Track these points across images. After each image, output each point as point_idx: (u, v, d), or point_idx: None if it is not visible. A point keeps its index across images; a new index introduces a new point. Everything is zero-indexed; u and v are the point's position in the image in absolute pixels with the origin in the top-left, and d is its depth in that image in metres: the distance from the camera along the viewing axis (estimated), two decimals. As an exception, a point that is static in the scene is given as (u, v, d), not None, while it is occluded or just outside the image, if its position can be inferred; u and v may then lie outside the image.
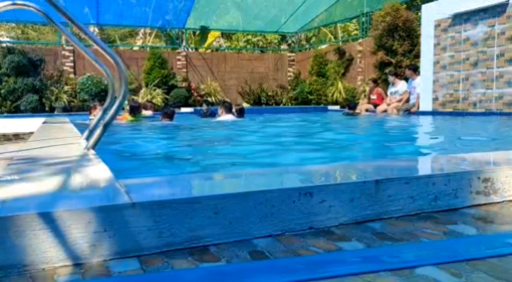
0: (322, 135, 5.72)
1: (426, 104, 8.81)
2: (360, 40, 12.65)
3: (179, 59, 13.95)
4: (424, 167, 2.08)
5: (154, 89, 12.43)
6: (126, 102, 7.54)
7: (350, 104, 9.93)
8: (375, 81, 10.19)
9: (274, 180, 1.63)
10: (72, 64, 12.62)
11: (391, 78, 9.51)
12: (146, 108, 8.78)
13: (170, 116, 7.25)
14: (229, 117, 7.35)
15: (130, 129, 6.48)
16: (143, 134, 5.99)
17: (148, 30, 18.60)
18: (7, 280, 1.05)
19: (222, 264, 1.13)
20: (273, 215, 1.34)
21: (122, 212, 1.18)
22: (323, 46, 15.44)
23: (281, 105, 13.89)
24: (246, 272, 1.08)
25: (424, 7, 8.94)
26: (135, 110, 7.41)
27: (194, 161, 3.40)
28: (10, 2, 2.42)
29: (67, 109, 11.27)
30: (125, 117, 7.26)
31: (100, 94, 11.61)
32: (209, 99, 13.32)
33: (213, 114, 8.31)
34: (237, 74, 14.69)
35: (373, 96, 10.13)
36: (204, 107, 9.38)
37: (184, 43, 14.98)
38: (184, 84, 13.35)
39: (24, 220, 1.09)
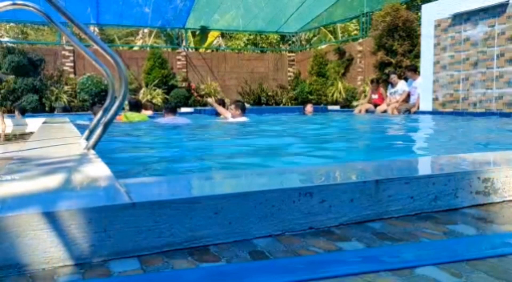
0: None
1: (426, 104, 8.82)
2: (360, 40, 12.65)
3: (179, 59, 13.96)
4: (424, 167, 2.08)
5: (154, 89, 12.43)
6: (126, 102, 7.51)
7: (304, 104, 10.92)
8: (377, 81, 10.19)
9: (274, 180, 1.62)
10: (72, 64, 12.62)
11: (394, 78, 9.49)
12: (146, 108, 8.78)
13: (173, 111, 7.11)
14: (244, 118, 6.76)
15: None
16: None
17: (148, 30, 18.60)
18: (7, 280, 1.05)
19: (222, 264, 1.13)
20: (273, 215, 1.34)
21: (122, 212, 1.18)
22: (323, 46, 15.45)
23: (281, 105, 13.89)
24: (246, 272, 1.08)
25: (424, 7, 8.94)
26: (138, 106, 7.41)
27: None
28: (10, 2, 2.42)
29: (67, 109, 11.28)
30: (120, 118, 7.21)
31: (100, 94, 11.61)
32: (208, 99, 13.33)
33: None
34: (237, 74, 14.69)
35: (375, 96, 10.14)
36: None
37: (184, 43, 14.98)
38: (184, 84, 13.35)
39: (24, 219, 1.09)
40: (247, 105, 13.06)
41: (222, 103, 9.48)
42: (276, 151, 3.86)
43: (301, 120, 8.74)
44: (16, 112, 9.96)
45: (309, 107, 10.31)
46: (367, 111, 9.95)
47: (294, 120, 8.54)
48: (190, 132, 6.00)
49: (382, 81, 10.24)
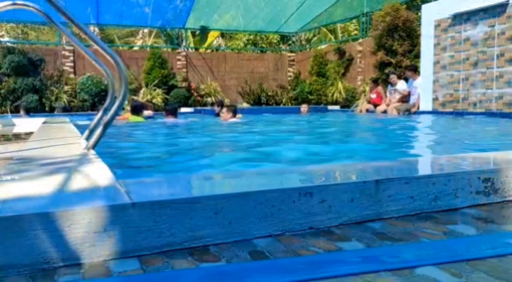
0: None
1: (426, 104, 8.82)
2: (360, 40, 12.65)
3: (179, 59, 13.95)
4: (424, 167, 2.08)
5: (154, 89, 12.43)
6: (126, 102, 7.49)
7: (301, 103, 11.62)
8: (375, 81, 10.20)
9: (274, 180, 1.62)
10: (72, 64, 12.61)
11: (394, 78, 9.47)
12: (146, 108, 8.77)
13: (173, 113, 7.12)
14: (235, 119, 7.47)
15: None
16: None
17: (148, 30, 18.59)
18: (7, 280, 1.05)
19: (222, 264, 1.13)
20: (273, 215, 1.34)
21: (122, 212, 1.18)
22: (323, 46, 15.44)
23: (281, 105, 13.89)
24: (246, 272, 1.08)
25: (424, 7, 8.94)
26: (137, 109, 7.37)
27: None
28: (10, 2, 2.43)
29: (67, 109, 11.27)
30: (125, 117, 7.23)
31: (100, 94, 11.60)
32: (208, 99, 13.33)
33: None
34: (237, 74, 14.68)
35: (373, 96, 10.14)
36: (217, 108, 9.43)
37: (184, 43, 14.98)
38: (184, 84, 13.35)
39: (25, 220, 1.09)
40: (246, 105, 13.15)
41: (221, 104, 9.57)
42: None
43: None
44: (22, 112, 9.95)
45: (302, 107, 10.99)
46: (367, 111, 9.96)
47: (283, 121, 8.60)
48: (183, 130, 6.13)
49: (382, 81, 10.24)
